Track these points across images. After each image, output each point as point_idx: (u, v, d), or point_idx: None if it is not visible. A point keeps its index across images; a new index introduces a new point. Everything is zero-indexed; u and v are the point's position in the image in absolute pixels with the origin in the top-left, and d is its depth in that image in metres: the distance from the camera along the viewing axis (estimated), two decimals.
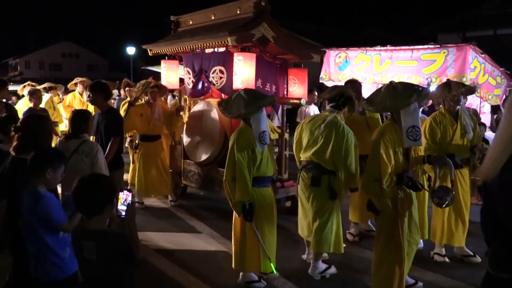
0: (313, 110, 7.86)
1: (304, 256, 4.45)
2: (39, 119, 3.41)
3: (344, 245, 4.85)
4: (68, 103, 9.13)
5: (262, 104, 3.74)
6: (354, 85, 5.09)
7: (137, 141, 6.37)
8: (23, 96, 8.49)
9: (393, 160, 3.41)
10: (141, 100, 6.40)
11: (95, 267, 2.23)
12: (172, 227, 5.53)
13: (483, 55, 6.82)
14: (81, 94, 9.04)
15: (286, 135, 5.87)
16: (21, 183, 2.77)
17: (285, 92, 6.06)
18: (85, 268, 2.30)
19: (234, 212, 3.86)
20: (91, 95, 4.93)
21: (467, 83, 6.29)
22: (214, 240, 5.08)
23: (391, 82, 3.61)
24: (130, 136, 6.78)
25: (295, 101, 5.87)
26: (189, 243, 5.00)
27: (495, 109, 6.71)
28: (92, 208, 2.24)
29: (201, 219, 5.78)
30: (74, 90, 9.40)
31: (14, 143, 3.10)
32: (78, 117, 3.91)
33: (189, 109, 6.60)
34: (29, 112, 6.08)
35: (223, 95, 5.97)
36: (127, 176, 6.65)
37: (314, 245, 4.05)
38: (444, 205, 3.86)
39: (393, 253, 3.49)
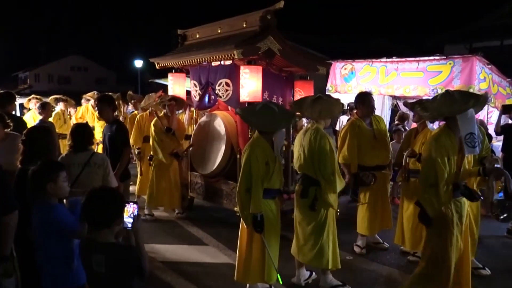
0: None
1: (294, 279, 4.23)
2: (43, 131, 3.42)
3: (351, 257, 4.86)
4: (81, 115, 9.26)
5: (288, 123, 3.86)
6: (366, 97, 5.10)
7: (151, 153, 6.39)
8: (30, 109, 8.62)
9: (448, 167, 3.30)
10: (160, 113, 6.48)
11: (104, 280, 2.24)
12: (178, 239, 5.53)
13: (489, 66, 6.82)
14: (94, 108, 9.16)
15: (292, 147, 5.87)
16: (30, 195, 2.80)
17: None
18: (94, 281, 2.30)
19: (241, 223, 3.86)
20: (98, 108, 5.02)
21: None
22: (221, 253, 5.07)
23: (447, 90, 3.50)
24: (138, 148, 6.82)
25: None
26: (195, 255, 4.99)
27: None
28: (102, 221, 2.26)
29: (208, 231, 5.77)
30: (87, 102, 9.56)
31: (20, 156, 3.13)
32: (85, 130, 3.93)
33: (196, 121, 6.64)
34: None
35: (229, 108, 6.03)
36: (133, 188, 6.69)
37: (312, 260, 4.01)
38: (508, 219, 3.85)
39: (438, 270, 3.34)
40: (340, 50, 15.17)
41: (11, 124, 4.22)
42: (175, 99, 6.42)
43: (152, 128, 6.20)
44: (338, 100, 4.25)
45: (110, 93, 6.14)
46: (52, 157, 3.22)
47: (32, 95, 9.00)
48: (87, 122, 8.75)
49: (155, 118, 6.31)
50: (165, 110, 6.34)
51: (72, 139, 3.79)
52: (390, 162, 5.10)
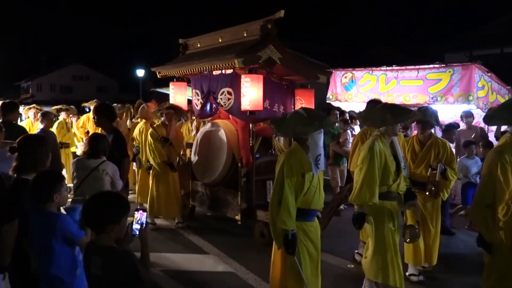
0: None
1: None
2: (37, 139, 3.39)
3: (352, 265, 4.85)
4: (82, 124, 9.31)
5: (322, 124, 3.32)
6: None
7: (149, 163, 6.39)
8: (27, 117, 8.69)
9: None
10: (157, 122, 6.47)
11: (100, 283, 2.27)
12: (179, 248, 5.53)
13: (489, 74, 6.84)
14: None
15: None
16: (27, 204, 2.80)
17: None
18: (92, 283, 2.34)
19: (274, 248, 3.41)
20: (95, 117, 5.00)
21: (474, 101, 6.31)
22: (221, 261, 5.06)
23: None
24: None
25: None
26: (196, 264, 4.99)
27: None
28: (95, 225, 2.31)
29: (208, 240, 5.76)
30: (89, 111, 9.61)
31: (14, 164, 3.12)
32: (101, 139, 4.10)
33: (197, 129, 6.66)
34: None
35: (231, 116, 6.06)
36: (132, 196, 6.70)
37: (367, 272, 3.78)
38: None
39: None
40: (340, 58, 15.27)
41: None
42: (173, 107, 6.40)
43: (149, 137, 6.19)
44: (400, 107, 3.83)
45: (114, 104, 6.14)
46: (45, 167, 3.19)
47: (33, 105, 9.05)
48: (88, 131, 8.80)
49: (151, 129, 6.28)
50: (162, 118, 6.32)
51: (90, 144, 4.01)
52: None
